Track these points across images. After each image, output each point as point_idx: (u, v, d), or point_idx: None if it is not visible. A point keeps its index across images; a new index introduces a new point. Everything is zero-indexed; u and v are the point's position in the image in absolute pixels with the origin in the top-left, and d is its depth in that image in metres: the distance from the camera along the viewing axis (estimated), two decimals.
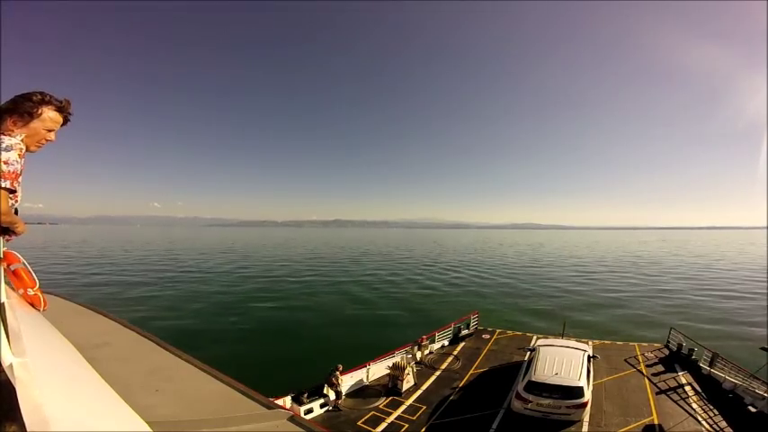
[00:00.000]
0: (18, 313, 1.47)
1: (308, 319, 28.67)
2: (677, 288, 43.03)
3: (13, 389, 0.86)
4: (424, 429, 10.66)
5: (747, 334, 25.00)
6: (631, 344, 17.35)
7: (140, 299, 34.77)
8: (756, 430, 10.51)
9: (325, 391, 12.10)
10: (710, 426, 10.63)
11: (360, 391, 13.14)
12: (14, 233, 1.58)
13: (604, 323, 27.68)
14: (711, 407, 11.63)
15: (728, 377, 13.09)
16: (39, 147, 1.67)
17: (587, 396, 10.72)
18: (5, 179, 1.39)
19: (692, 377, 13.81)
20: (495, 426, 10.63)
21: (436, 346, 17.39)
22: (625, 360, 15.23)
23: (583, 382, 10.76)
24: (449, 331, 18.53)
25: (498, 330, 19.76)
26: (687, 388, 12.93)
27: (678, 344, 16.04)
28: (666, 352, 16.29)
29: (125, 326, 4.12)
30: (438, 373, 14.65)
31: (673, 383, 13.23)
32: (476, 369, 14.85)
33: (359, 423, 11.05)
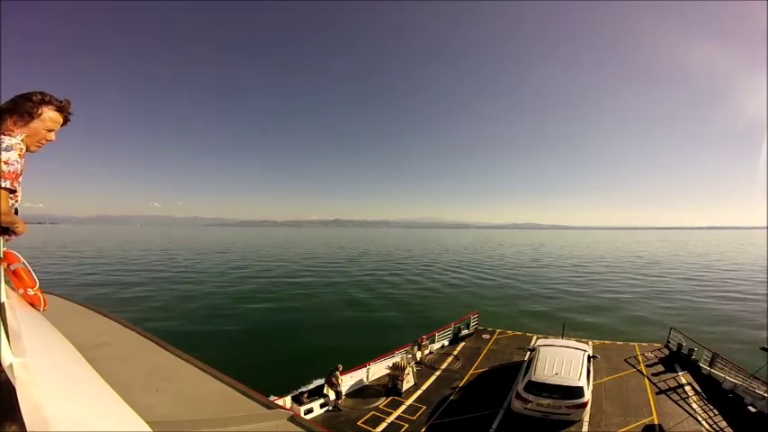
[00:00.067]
0: (18, 313, 1.47)
1: (307, 319, 28.66)
2: (677, 288, 43.05)
3: (13, 389, 0.86)
4: (423, 429, 10.66)
5: (747, 334, 25.01)
6: (631, 344, 17.34)
7: (134, 299, 34.60)
8: (756, 430, 10.51)
9: (325, 391, 12.10)
10: (710, 426, 10.62)
11: (360, 391, 13.14)
12: (14, 233, 1.57)
13: (604, 323, 27.69)
14: (711, 407, 11.63)
15: (728, 377, 13.09)
16: (39, 147, 1.67)
17: (587, 396, 10.71)
18: (5, 179, 1.39)
19: (692, 377, 13.81)
20: (495, 426, 10.62)
21: (436, 346, 17.39)
22: (625, 360, 15.23)
23: (583, 382, 10.76)
24: (449, 331, 18.52)
25: (498, 330, 19.75)
26: (687, 388, 12.92)
27: (678, 344, 16.04)
28: (666, 352, 16.28)
29: (125, 326, 4.12)
30: (438, 373, 14.65)
31: (673, 383, 13.23)
32: (476, 369, 14.85)
33: (359, 423, 11.05)
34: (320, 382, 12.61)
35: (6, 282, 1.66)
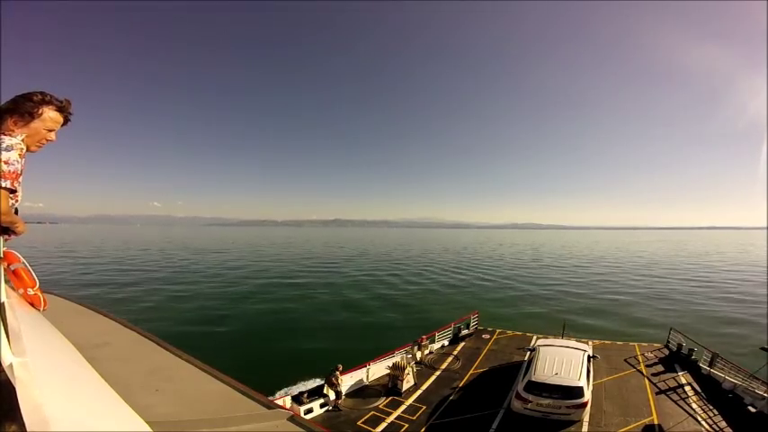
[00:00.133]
0: (18, 313, 1.47)
1: (306, 319, 28.67)
2: (677, 289, 43.06)
3: (13, 389, 0.86)
4: (423, 429, 10.66)
5: (747, 334, 25.01)
6: (631, 344, 17.34)
7: (126, 300, 34.39)
8: (756, 430, 10.51)
9: (325, 391, 12.10)
10: (710, 426, 10.62)
11: (360, 391, 13.13)
12: (14, 233, 1.57)
13: (604, 323, 27.70)
14: (711, 407, 11.63)
15: (728, 377, 13.09)
16: (39, 147, 1.67)
17: (587, 396, 10.71)
18: (6, 179, 1.39)
19: (692, 377, 13.81)
20: (495, 426, 10.62)
21: (436, 345, 17.39)
22: (625, 360, 15.23)
23: (583, 382, 10.76)
24: (449, 331, 18.52)
25: (498, 330, 19.75)
26: (687, 388, 12.92)
27: (678, 344, 16.04)
28: (666, 352, 16.28)
29: (125, 326, 4.11)
30: (438, 373, 14.65)
31: (672, 383, 13.23)
32: (476, 369, 14.84)
33: (359, 423, 11.04)
34: (320, 382, 12.62)
35: (6, 282, 1.66)
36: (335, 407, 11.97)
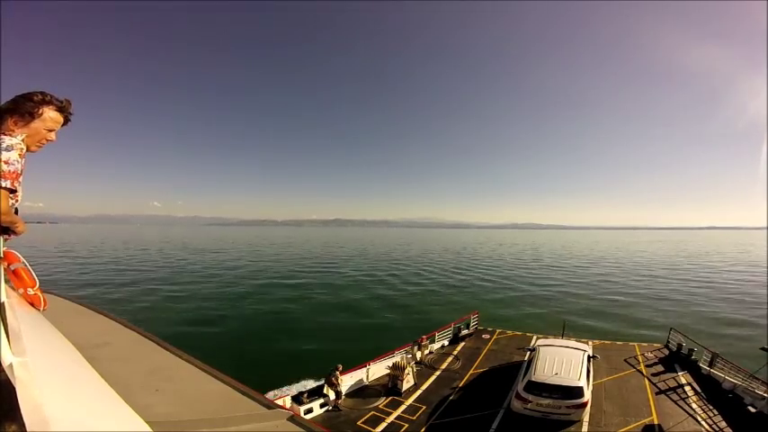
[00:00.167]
0: (18, 313, 1.47)
1: (305, 320, 28.66)
2: (677, 289, 43.07)
3: (13, 389, 0.86)
4: (423, 429, 10.66)
5: (747, 334, 25.02)
6: (631, 344, 17.34)
7: (122, 300, 34.25)
8: (756, 430, 10.51)
9: (325, 391, 12.10)
10: (710, 426, 10.62)
11: (360, 391, 13.13)
12: (14, 233, 1.57)
13: (604, 323, 27.70)
14: (711, 407, 11.63)
15: (728, 377, 13.09)
16: (39, 147, 1.67)
17: (587, 396, 10.71)
18: (6, 179, 1.39)
19: (692, 377, 13.81)
20: (494, 426, 10.62)
21: (436, 345, 17.39)
22: (625, 360, 15.23)
23: (583, 382, 10.76)
24: (449, 331, 18.52)
25: (498, 330, 19.75)
26: (687, 388, 12.92)
27: (678, 344, 16.04)
28: (666, 352, 16.28)
29: (125, 326, 4.12)
30: (438, 373, 14.65)
31: (672, 383, 13.23)
32: (476, 369, 14.84)
33: (359, 423, 11.05)
34: (320, 382, 12.62)
35: (6, 281, 1.66)
36: (335, 407, 11.97)
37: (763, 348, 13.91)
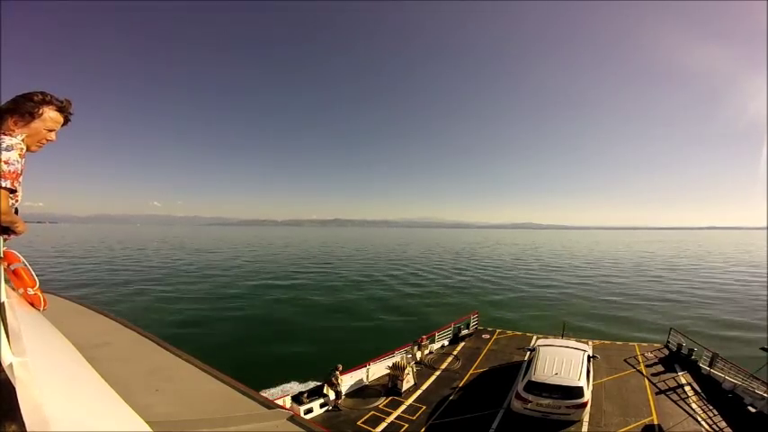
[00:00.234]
0: (18, 313, 1.47)
1: (305, 319, 28.64)
2: (677, 289, 43.07)
3: (13, 389, 0.86)
4: (423, 429, 10.66)
5: (747, 334, 25.01)
6: (631, 344, 17.34)
7: (116, 301, 34.14)
8: (756, 430, 10.51)
9: (325, 391, 12.10)
10: (710, 426, 10.62)
11: (360, 391, 13.13)
12: (14, 233, 1.57)
13: (604, 323, 27.70)
14: (711, 407, 11.63)
15: (728, 377, 13.09)
16: (39, 147, 1.67)
17: (587, 396, 10.71)
18: (6, 179, 1.39)
19: (692, 377, 13.81)
20: (494, 426, 10.62)
21: (436, 345, 17.39)
22: (625, 360, 15.23)
23: (583, 382, 10.76)
24: (449, 331, 18.53)
25: (498, 330, 19.76)
26: (687, 388, 12.93)
27: (678, 344, 16.04)
28: (666, 352, 16.28)
29: (125, 326, 4.12)
30: (438, 372, 14.65)
31: (672, 383, 13.23)
32: (476, 369, 14.84)
33: (359, 423, 11.05)
34: (320, 382, 12.62)
35: (6, 281, 1.66)
36: (335, 407, 11.97)
37: (762, 348, 13.92)
